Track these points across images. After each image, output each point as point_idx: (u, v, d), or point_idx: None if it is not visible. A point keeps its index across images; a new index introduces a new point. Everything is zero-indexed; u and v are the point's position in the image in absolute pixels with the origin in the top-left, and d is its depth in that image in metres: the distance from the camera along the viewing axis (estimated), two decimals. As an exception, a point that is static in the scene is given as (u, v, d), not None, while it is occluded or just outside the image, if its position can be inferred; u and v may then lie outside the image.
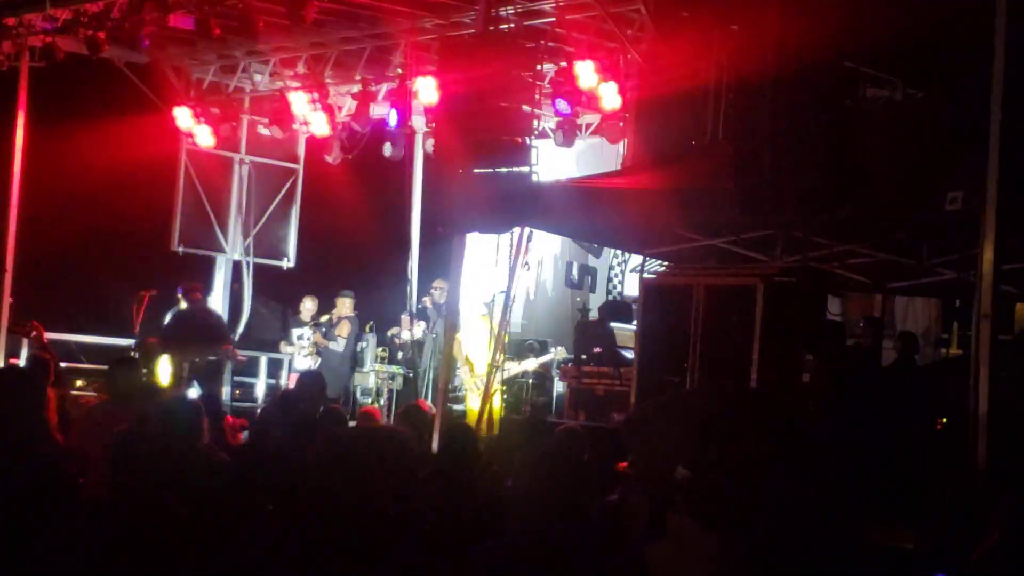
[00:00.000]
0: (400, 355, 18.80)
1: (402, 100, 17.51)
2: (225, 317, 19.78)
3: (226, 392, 17.39)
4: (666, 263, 14.19)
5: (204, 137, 19.96)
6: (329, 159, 19.80)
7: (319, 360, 18.47)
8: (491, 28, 13.74)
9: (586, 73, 15.32)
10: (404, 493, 6.91)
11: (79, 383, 17.06)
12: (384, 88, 18.51)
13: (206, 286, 19.72)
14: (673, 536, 2.30)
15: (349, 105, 19.31)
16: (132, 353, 16.54)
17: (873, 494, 9.69)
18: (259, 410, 17.06)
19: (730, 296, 12.48)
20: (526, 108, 13.19)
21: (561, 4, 15.36)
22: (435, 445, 11.05)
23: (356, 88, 18.54)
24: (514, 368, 16.74)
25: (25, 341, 16.43)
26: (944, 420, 12.30)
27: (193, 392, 16.38)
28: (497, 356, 14.53)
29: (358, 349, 18.71)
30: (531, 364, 16.96)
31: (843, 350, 13.44)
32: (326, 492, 6.90)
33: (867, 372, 13.33)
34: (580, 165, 18.75)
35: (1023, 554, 5.73)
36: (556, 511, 6.98)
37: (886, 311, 15.58)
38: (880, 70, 13.39)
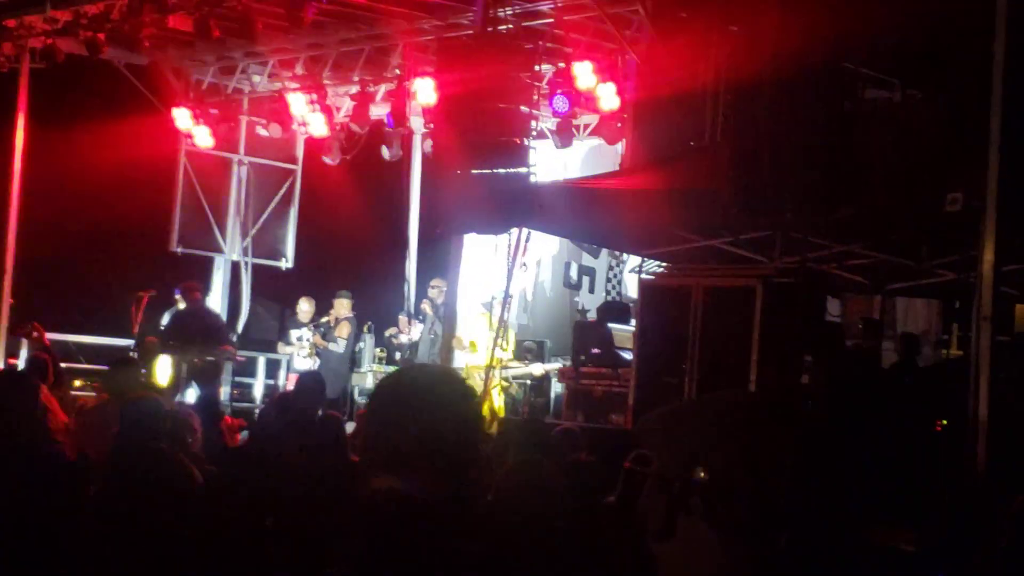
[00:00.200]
0: (398, 355, 18.80)
1: (400, 101, 17.50)
2: (224, 317, 19.77)
3: (225, 392, 17.38)
4: (665, 264, 14.19)
5: (203, 138, 19.96)
6: (327, 160, 19.80)
7: (318, 361, 18.47)
8: (489, 29, 13.74)
9: (584, 74, 15.31)
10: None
11: (78, 383, 17.05)
12: (382, 89, 18.51)
13: (204, 286, 19.71)
14: (681, 538, 2.28)
15: (347, 106, 19.31)
16: (131, 353, 16.54)
17: (873, 495, 9.69)
18: (257, 411, 17.06)
19: (729, 297, 12.48)
20: (524, 109, 13.18)
21: (559, 5, 15.35)
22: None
23: (354, 89, 18.53)
24: (520, 369, 16.74)
25: (25, 342, 16.43)
26: (944, 422, 12.29)
27: (192, 392, 16.38)
28: (497, 355, 14.53)
29: (356, 350, 18.72)
30: (537, 369, 16.94)
31: (842, 351, 13.43)
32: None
33: (866, 374, 13.32)
34: (585, 168, 18.71)
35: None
36: (552, 514, 6.96)
37: (885, 312, 15.57)
38: (879, 71, 13.38)
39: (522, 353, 17.30)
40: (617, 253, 18.94)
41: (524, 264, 15.07)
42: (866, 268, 13.71)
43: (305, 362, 18.56)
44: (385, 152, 18.91)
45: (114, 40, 17.06)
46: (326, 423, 9.85)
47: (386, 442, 3.18)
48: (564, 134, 16.91)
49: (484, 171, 12.82)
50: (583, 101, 15.92)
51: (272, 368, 20.08)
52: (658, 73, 14.10)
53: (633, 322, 14.79)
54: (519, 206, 12.78)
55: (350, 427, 11.61)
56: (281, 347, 19.47)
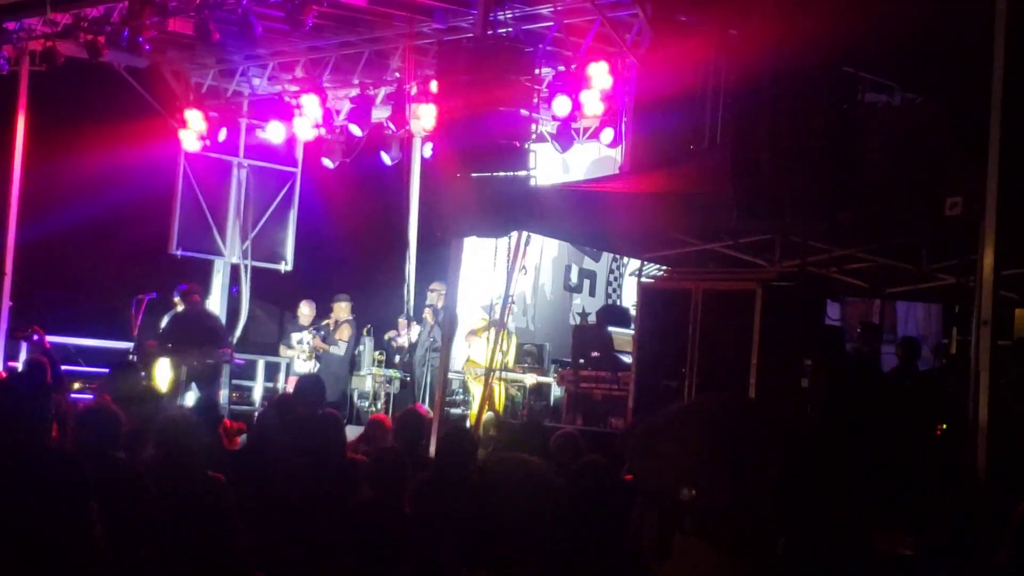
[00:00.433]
0: (397, 359, 18.80)
1: (400, 104, 17.51)
2: (223, 320, 19.76)
3: (224, 395, 17.37)
4: (664, 267, 14.19)
5: (214, 140, 19.95)
6: (327, 163, 19.81)
7: (318, 364, 18.47)
8: (489, 33, 13.73)
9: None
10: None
11: (77, 386, 17.04)
12: (382, 92, 18.52)
13: (204, 289, 19.71)
14: (680, 556, 2.27)
15: (347, 109, 19.32)
16: (131, 357, 16.53)
17: (873, 499, 9.68)
18: (257, 414, 17.05)
19: (728, 301, 12.48)
20: (524, 112, 13.18)
21: (559, 8, 15.36)
22: (432, 450, 11.03)
23: (354, 92, 18.54)
24: (513, 375, 16.73)
25: (25, 345, 16.43)
26: (944, 425, 12.29)
27: (191, 395, 16.39)
28: (497, 359, 14.53)
29: (356, 353, 18.71)
30: (530, 379, 16.91)
31: (842, 355, 13.42)
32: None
33: (866, 377, 13.31)
34: (591, 173, 18.67)
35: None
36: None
37: (885, 316, 15.57)
38: (879, 75, 13.38)
39: (522, 357, 17.29)
40: (618, 256, 18.94)
41: (524, 267, 15.04)
42: (866, 272, 13.70)
43: (305, 365, 18.56)
44: (385, 159, 18.91)
45: (114, 43, 17.06)
46: (325, 421, 9.84)
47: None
48: (564, 138, 16.92)
49: (484, 174, 12.81)
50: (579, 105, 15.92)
51: (272, 371, 20.07)
52: (657, 77, 14.10)
53: (633, 326, 14.78)
54: (519, 209, 12.78)
55: (350, 429, 11.59)
56: (281, 350, 19.47)
